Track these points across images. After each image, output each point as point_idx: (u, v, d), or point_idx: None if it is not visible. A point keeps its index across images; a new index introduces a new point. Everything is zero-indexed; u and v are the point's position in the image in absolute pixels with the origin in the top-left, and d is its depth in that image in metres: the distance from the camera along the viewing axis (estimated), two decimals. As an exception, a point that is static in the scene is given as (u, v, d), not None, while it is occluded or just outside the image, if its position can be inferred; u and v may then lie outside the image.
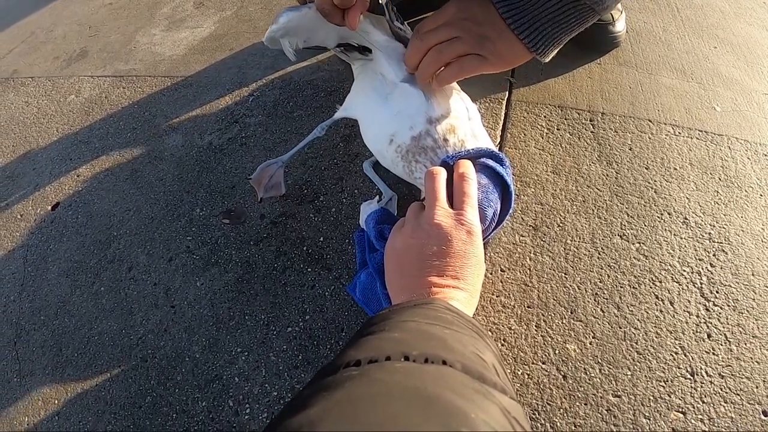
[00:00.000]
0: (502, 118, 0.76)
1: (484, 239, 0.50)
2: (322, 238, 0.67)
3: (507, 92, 0.79)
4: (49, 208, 0.84)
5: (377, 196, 0.64)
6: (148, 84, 0.98)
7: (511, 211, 0.56)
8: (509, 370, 0.56)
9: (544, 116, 0.75)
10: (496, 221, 0.54)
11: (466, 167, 0.50)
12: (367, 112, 0.60)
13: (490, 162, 0.54)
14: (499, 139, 0.73)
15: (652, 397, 0.52)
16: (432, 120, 0.53)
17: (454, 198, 0.49)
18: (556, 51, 0.50)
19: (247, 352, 0.60)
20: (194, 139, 0.84)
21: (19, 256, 0.80)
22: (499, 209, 0.53)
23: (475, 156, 0.54)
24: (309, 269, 0.65)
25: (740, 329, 0.57)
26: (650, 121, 0.74)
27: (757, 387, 0.53)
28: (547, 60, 0.50)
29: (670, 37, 0.88)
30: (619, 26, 0.83)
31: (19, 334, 0.71)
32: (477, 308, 0.59)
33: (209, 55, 1.00)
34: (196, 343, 0.63)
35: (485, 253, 0.63)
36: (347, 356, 0.31)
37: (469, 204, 0.47)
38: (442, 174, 0.50)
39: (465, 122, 0.56)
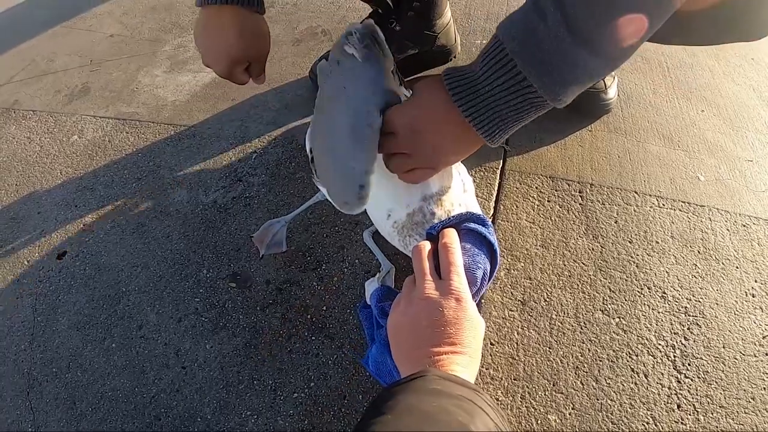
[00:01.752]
0: (496, 188, 0.84)
1: (477, 299, 0.58)
2: (324, 307, 0.75)
3: (501, 161, 0.87)
4: (56, 256, 0.92)
5: (377, 273, 0.73)
6: (152, 131, 1.05)
7: (497, 266, 0.62)
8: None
9: (536, 187, 0.84)
10: (487, 280, 0.62)
11: (449, 236, 0.57)
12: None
13: (473, 225, 0.60)
14: (492, 211, 0.82)
15: (622, 469, 0.61)
16: (427, 197, 0.61)
17: (441, 268, 0.55)
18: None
19: (257, 416, 0.69)
20: (199, 195, 0.92)
21: (28, 305, 0.87)
22: (488, 268, 0.61)
23: (458, 222, 0.60)
24: (313, 337, 0.73)
25: (708, 400, 0.66)
26: (636, 192, 0.83)
27: (718, 458, 0.62)
28: (496, 146, 0.56)
29: (659, 100, 0.96)
30: (611, 93, 0.91)
31: (31, 385, 0.79)
32: (468, 380, 0.68)
33: (211, 104, 1.07)
34: (207, 405, 0.71)
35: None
36: None
37: (455, 272, 0.54)
38: (426, 248, 0.57)
39: (455, 194, 0.63)
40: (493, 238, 0.61)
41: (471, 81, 0.48)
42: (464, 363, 0.50)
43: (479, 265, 0.58)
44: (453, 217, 0.60)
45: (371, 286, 0.68)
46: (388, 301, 0.62)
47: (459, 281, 0.53)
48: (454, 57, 1.05)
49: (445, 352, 0.49)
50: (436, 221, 0.60)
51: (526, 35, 0.43)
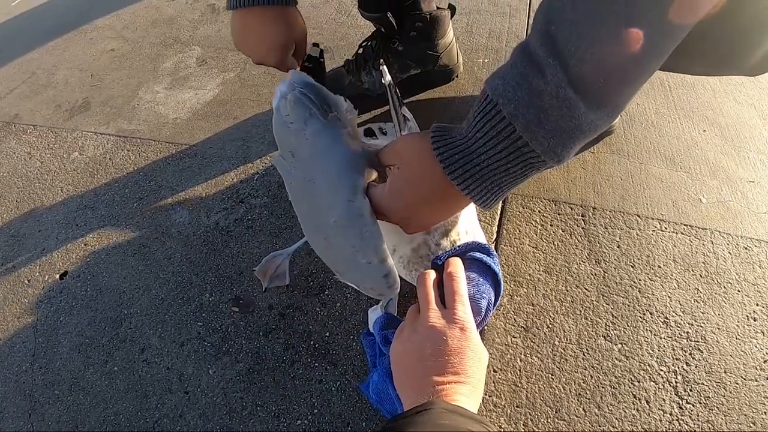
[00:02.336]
0: (499, 212, 0.85)
1: (480, 328, 0.59)
2: (327, 333, 0.76)
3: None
4: (57, 276, 0.93)
5: (380, 301, 0.74)
6: (153, 149, 1.06)
7: (500, 296, 0.64)
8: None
9: (539, 211, 0.85)
10: (491, 310, 0.63)
11: (454, 266, 0.58)
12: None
13: (477, 255, 0.62)
14: (495, 236, 0.83)
15: (624, 499, 0.63)
16: (430, 231, 0.62)
17: (446, 297, 0.56)
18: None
19: (259, 443, 0.70)
20: (201, 217, 0.93)
21: (29, 325, 0.88)
22: (492, 298, 0.62)
23: (463, 252, 0.62)
24: (316, 364, 0.74)
25: (710, 425, 0.67)
26: (638, 216, 0.84)
27: (720, 485, 0.63)
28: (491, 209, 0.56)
29: (661, 120, 0.97)
30: (613, 115, 0.92)
31: (33, 407, 0.79)
32: (471, 408, 0.69)
33: (213, 122, 1.09)
34: (211, 431, 0.72)
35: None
36: None
37: (459, 302, 0.55)
38: (430, 277, 0.58)
39: (461, 224, 0.65)
40: (497, 268, 0.62)
41: (465, 151, 0.45)
42: (467, 393, 0.50)
43: (483, 295, 0.60)
44: (458, 247, 0.62)
45: (374, 314, 0.69)
46: (391, 328, 0.63)
47: (463, 310, 0.54)
48: (456, 76, 1.06)
49: (448, 382, 0.50)
50: (441, 252, 0.61)
51: (524, 96, 0.40)
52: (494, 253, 0.64)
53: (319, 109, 0.58)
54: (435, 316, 0.54)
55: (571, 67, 0.38)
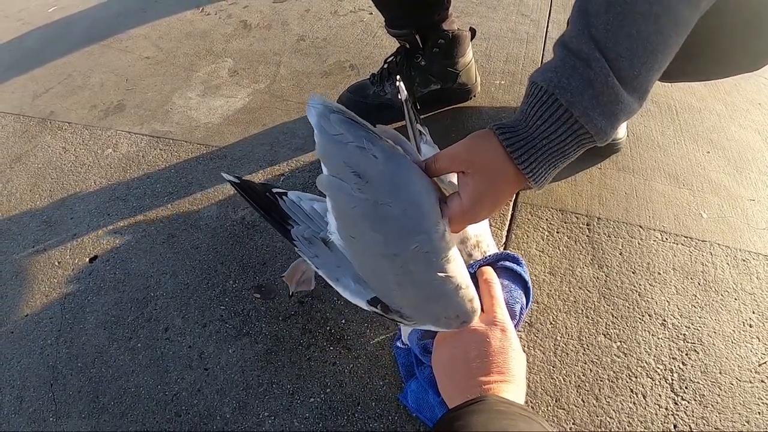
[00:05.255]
0: (509, 219, 0.95)
1: (516, 330, 0.65)
2: (343, 320, 0.85)
3: (514, 194, 0.99)
4: (87, 260, 1.03)
5: None
6: (184, 149, 1.18)
7: (530, 303, 0.72)
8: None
9: (546, 219, 0.95)
10: (524, 314, 0.71)
11: (489, 273, 0.66)
12: None
13: (508, 263, 0.70)
14: (504, 239, 0.92)
15: (617, 482, 0.69)
16: (464, 240, 0.69)
17: (483, 302, 0.62)
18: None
19: (274, 417, 0.78)
20: (228, 212, 1.04)
21: (56, 302, 0.97)
22: (524, 303, 0.70)
23: (494, 261, 0.70)
24: (331, 347, 0.83)
25: (704, 421, 0.74)
26: (641, 227, 0.93)
27: (713, 477, 0.70)
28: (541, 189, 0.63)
29: (667, 141, 1.08)
30: (621, 133, 1.03)
31: (55, 377, 0.87)
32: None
33: (243, 128, 1.21)
34: (227, 405, 0.80)
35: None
36: None
37: (498, 305, 0.61)
38: None
39: (488, 234, 0.73)
40: (527, 276, 0.70)
41: (527, 138, 0.51)
42: (512, 391, 0.54)
43: (517, 300, 0.67)
44: (490, 256, 0.69)
45: (407, 327, 0.75)
46: (429, 338, 0.69)
47: (502, 313, 0.60)
48: (474, 96, 1.18)
49: (494, 381, 0.54)
50: (472, 261, 0.68)
51: (579, 85, 0.47)
52: (523, 262, 0.71)
53: (371, 132, 0.59)
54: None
55: (612, 60, 0.47)
